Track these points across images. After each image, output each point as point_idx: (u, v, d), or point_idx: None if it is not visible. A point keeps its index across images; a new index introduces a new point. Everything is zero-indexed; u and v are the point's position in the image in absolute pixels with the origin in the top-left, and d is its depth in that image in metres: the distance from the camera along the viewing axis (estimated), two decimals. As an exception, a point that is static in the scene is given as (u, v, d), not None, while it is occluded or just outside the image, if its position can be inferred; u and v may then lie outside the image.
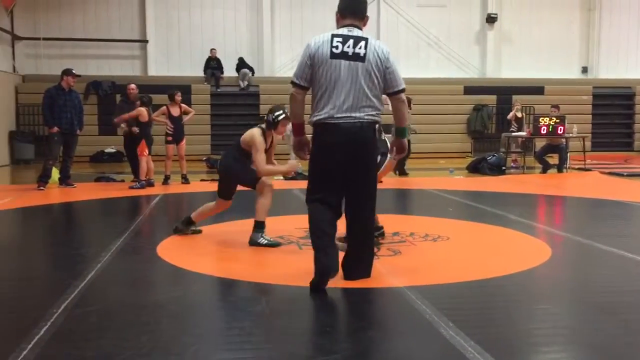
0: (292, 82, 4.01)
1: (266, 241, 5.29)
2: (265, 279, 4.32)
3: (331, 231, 3.99)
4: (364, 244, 4.15)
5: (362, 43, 3.92)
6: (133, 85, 10.66)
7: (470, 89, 18.97)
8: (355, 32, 3.97)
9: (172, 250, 5.21)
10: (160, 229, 6.47)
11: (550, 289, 4.23)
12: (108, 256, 4.98)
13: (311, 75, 3.95)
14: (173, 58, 18.50)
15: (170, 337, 3.17)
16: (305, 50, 3.98)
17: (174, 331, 3.27)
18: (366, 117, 3.92)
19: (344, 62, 3.88)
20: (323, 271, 3.84)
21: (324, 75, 3.90)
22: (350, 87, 3.89)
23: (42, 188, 9.60)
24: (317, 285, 3.86)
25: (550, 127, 12.54)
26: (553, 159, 13.08)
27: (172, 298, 4.01)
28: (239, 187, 5.68)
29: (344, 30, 3.97)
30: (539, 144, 13.74)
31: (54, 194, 9.35)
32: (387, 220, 6.58)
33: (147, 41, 18.29)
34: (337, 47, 3.89)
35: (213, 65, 17.79)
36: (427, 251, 5.23)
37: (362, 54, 3.90)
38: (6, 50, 17.06)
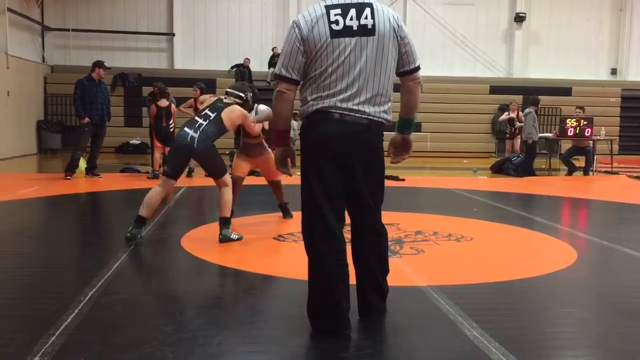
0: (279, 76, 3.04)
1: (237, 236, 5.32)
2: (289, 273, 4.33)
3: (346, 270, 3.12)
4: (375, 272, 3.32)
5: (367, 10, 3.00)
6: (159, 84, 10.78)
7: (496, 89, 18.80)
8: None
9: (196, 242, 5.25)
10: (184, 221, 6.54)
11: (575, 293, 4.18)
12: (133, 246, 5.04)
13: (305, 64, 3.03)
14: (199, 51, 18.62)
15: (194, 327, 3.20)
16: (293, 32, 3.00)
17: (199, 322, 3.30)
18: (376, 115, 3.06)
19: (348, 41, 2.97)
20: (330, 329, 3.10)
21: (324, 61, 2.98)
22: (360, 72, 2.99)
23: (69, 177, 9.75)
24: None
25: (578, 129, 12.36)
26: (579, 162, 12.91)
27: (196, 289, 4.06)
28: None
29: None
30: (565, 146, 13.57)
31: (81, 184, 9.48)
32: (410, 219, 6.58)
33: (173, 34, 18.44)
34: (337, 22, 2.96)
35: (242, 70, 17.76)
36: (451, 251, 5.20)
37: (370, 26, 2.99)
38: (36, 40, 17.32)
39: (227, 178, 5.40)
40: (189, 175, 10.34)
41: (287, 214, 6.47)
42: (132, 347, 2.88)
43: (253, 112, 5.94)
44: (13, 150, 14.58)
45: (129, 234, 5.14)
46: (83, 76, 10.17)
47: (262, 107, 6.06)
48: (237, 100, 5.51)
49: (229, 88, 5.66)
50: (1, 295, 3.76)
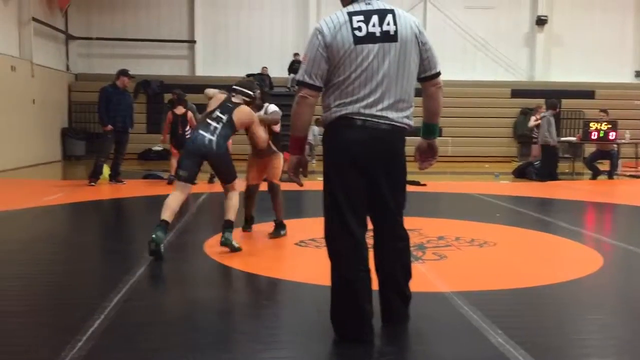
0: (301, 82, 3.04)
1: (237, 246, 5.16)
2: (311, 279, 4.34)
3: (368, 276, 3.11)
4: (397, 278, 3.32)
5: (389, 17, 3.02)
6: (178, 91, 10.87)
7: (518, 92, 18.65)
8: (375, 3, 3.08)
9: (218, 248, 5.27)
10: (206, 227, 6.58)
11: (602, 299, 4.12)
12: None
13: (327, 71, 3.03)
14: (220, 58, 18.76)
15: (219, 334, 3.22)
16: (316, 39, 3.01)
17: (223, 328, 3.33)
18: (399, 120, 3.06)
19: (371, 47, 2.98)
20: (353, 336, 3.09)
21: (347, 68, 2.99)
22: (383, 78, 3.01)
23: (93, 184, 9.88)
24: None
25: (602, 132, 12.21)
26: (603, 165, 12.74)
27: (220, 295, 4.08)
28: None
29: (361, 5, 3.06)
30: (589, 149, 13.41)
31: (105, 190, 9.61)
32: (432, 224, 6.55)
33: (195, 42, 18.62)
34: (359, 29, 2.98)
35: (258, 80, 17.77)
36: (474, 256, 5.16)
37: (392, 32, 3.01)
38: (60, 49, 17.61)
39: (237, 183, 5.34)
40: (211, 181, 10.40)
41: (278, 232, 5.91)
42: (158, 353, 2.91)
43: (262, 111, 5.84)
44: (38, 157, 14.82)
45: (154, 236, 4.85)
46: (107, 84, 10.32)
47: (273, 107, 5.89)
48: (246, 98, 5.41)
49: (235, 85, 5.50)
50: (28, 301, 3.83)
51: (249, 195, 6.07)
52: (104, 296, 3.76)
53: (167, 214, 5.05)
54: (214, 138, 5.10)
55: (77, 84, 17.82)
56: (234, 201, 5.26)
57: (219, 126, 5.16)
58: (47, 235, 6.13)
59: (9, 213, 7.16)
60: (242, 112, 5.29)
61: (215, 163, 5.30)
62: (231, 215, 5.21)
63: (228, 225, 5.18)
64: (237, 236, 5.43)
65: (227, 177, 5.29)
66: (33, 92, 14.69)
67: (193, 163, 5.19)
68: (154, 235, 4.84)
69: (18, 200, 8.15)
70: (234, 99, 5.37)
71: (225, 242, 5.10)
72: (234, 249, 5.12)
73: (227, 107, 5.29)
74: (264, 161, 5.99)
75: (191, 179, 5.24)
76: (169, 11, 18.62)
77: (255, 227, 6.07)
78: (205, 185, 10.00)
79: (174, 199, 5.16)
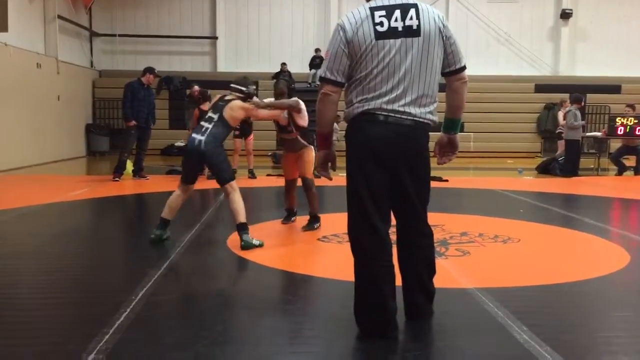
0: (324, 79, 3.05)
1: (258, 242, 5.17)
2: (334, 274, 4.35)
3: (392, 272, 3.11)
4: (421, 273, 3.31)
5: (412, 11, 2.99)
6: (196, 88, 10.92)
7: (542, 87, 18.43)
8: None
9: (242, 243, 5.31)
10: (229, 223, 6.60)
11: (629, 296, 4.05)
12: (181, 247, 5.14)
13: (349, 67, 3.04)
14: (242, 54, 18.84)
15: (244, 327, 3.25)
16: (338, 35, 3.01)
17: (248, 322, 3.35)
18: (422, 116, 3.04)
19: (393, 42, 2.96)
20: (376, 332, 3.10)
21: (369, 63, 2.98)
22: (405, 74, 2.98)
23: (117, 179, 9.99)
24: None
25: (628, 127, 12.01)
26: (629, 161, 12.54)
27: (243, 290, 4.12)
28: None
29: None
30: (614, 145, 13.21)
31: (129, 185, 9.71)
32: (455, 220, 6.51)
33: (216, 38, 18.71)
34: (381, 24, 2.96)
35: (284, 77, 17.84)
36: (497, 253, 5.12)
37: (415, 26, 2.98)
38: (85, 46, 17.82)
39: (233, 183, 5.31)
40: (210, 178, 10.51)
41: (312, 225, 6.02)
42: (184, 346, 2.94)
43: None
44: (63, 152, 15.04)
45: (153, 236, 5.30)
46: (132, 80, 10.42)
47: (293, 99, 5.87)
48: (239, 95, 5.42)
49: (231, 83, 5.53)
50: (56, 295, 3.89)
51: (287, 189, 6.23)
52: (129, 290, 3.81)
53: (166, 212, 5.36)
54: (203, 138, 5.20)
55: (101, 81, 18.02)
56: (236, 203, 5.23)
57: (210, 126, 5.26)
58: (74, 229, 6.22)
59: (38, 207, 7.28)
60: (231, 107, 5.32)
61: (206, 162, 5.40)
62: (240, 217, 5.20)
63: (241, 228, 5.18)
64: (271, 228, 5.46)
65: (219, 177, 5.28)
66: (58, 88, 14.90)
67: (190, 165, 5.37)
68: (152, 236, 5.30)
69: (45, 195, 8.29)
70: (227, 97, 5.41)
71: (246, 246, 5.09)
72: (256, 247, 5.13)
73: (218, 106, 5.37)
74: (295, 156, 6.09)
75: (190, 180, 5.40)
76: (191, 7, 18.73)
77: (275, 223, 6.10)
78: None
79: (175, 198, 5.39)
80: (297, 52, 18.45)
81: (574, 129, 11.65)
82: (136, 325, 3.22)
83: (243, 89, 5.44)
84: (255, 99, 5.52)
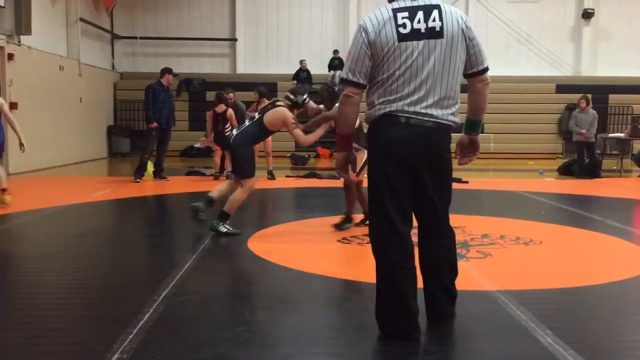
0: (346, 80, 3.03)
1: (226, 229, 5.50)
2: (354, 276, 4.35)
3: (413, 274, 3.10)
4: (443, 276, 3.29)
5: (435, 12, 2.97)
6: (231, 95, 10.91)
7: (563, 88, 18.23)
8: None
9: (262, 244, 5.33)
10: (249, 223, 6.63)
11: (654, 300, 4.00)
12: (202, 248, 5.17)
13: (371, 68, 3.02)
14: (261, 56, 18.91)
15: (264, 329, 3.26)
16: (360, 36, 2.99)
17: (268, 323, 3.35)
18: (444, 117, 3.03)
19: (416, 44, 2.94)
20: (398, 333, 3.09)
21: (392, 65, 2.96)
22: (428, 76, 2.96)
23: (138, 180, 10.09)
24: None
25: (652, 128, 11.85)
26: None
27: (264, 291, 4.13)
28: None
29: (406, 1, 3.00)
30: (637, 146, 13.02)
31: (150, 187, 9.80)
32: (475, 222, 6.47)
33: (236, 39, 18.80)
34: (404, 26, 2.93)
35: (303, 76, 17.87)
36: (519, 255, 5.08)
37: (438, 28, 2.96)
38: (106, 48, 18.02)
39: (251, 184, 5.49)
40: (215, 176, 10.70)
41: (342, 225, 6.00)
42: (206, 347, 2.96)
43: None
44: (86, 154, 15.22)
45: (194, 204, 5.75)
46: (152, 82, 10.51)
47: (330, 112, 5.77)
48: (288, 102, 5.56)
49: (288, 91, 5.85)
50: (80, 295, 3.94)
51: (344, 189, 6.05)
52: (152, 290, 3.84)
53: (214, 193, 5.83)
54: (235, 133, 5.54)
55: (122, 83, 18.20)
56: (239, 196, 5.54)
57: (247, 124, 5.59)
58: (97, 230, 6.29)
59: (61, 208, 7.37)
60: (273, 113, 5.52)
61: (230, 156, 5.73)
62: (228, 207, 5.52)
63: (221, 215, 5.51)
64: (290, 229, 5.49)
65: (240, 172, 5.61)
66: (80, 90, 15.08)
67: (231, 158, 5.80)
68: (194, 204, 5.79)
69: (69, 196, 8.39)
70: (278, 102, 5.58)
71: (213, 228, 5.51)
72: (222, 233, 5.51)
73: (266, 109, 5.63)
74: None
75: (251, 175, 5.65)
76: (211, 10, 18.85)
77: (294, 224, 6.11)
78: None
79: (225, 184, 5.97)
80: (316, 53, 18.49)
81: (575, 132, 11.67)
82: (159, 326, 3.24)
83: (291, 96, 5.59)
84: (311, 103, 5.67)
